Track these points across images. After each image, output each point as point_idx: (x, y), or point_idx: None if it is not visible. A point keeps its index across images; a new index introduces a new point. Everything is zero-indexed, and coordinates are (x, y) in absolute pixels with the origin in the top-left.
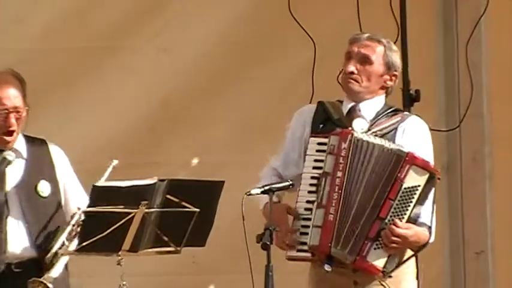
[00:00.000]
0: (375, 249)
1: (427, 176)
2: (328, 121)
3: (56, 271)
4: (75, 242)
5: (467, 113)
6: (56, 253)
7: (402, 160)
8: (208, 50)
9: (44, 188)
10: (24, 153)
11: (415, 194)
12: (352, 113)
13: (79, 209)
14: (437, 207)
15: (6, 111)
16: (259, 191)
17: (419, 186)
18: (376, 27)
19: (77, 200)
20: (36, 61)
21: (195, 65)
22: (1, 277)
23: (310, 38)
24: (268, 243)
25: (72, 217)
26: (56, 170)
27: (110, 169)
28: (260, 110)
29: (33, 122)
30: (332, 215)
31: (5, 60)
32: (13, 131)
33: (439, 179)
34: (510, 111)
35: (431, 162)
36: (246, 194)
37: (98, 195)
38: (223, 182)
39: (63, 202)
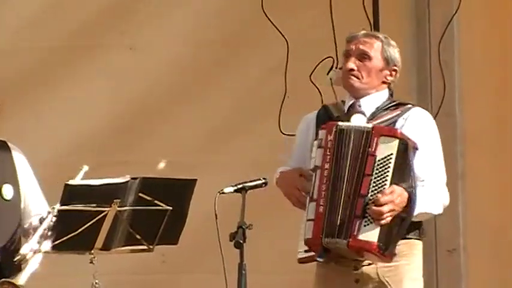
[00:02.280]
0: (364, 225)
1: (396, 142)
2: (330, 121)
3: (25, 275)
4: (47, 243)
5: (440, 111)
6: (24, 256)
7: (370, 134)
8: (180, 49)
9: (7, 191)
10: None
11: (389, 163)
12: (352, 109)
13: (49, 212)
14: None
15: None
16: (232, 189)
17: (391, 155)
18: (348, 25)
19: (36, 204)
20: (6, 60)
21: (167, 64)
22: None
23: (283, 36)
24: (241, 241)
25: (41, 220)
26: (17, 173)
27: (80, 175)
28: (232, 110)
29: (3, 122)
30: (322, 207)
31: None
32: None
33: (416, 148)
34: (482, 111)
35: (440, 153)
36: (219, 192)
37: (71, 193)
38: (195, 180)
39: (22, 205)
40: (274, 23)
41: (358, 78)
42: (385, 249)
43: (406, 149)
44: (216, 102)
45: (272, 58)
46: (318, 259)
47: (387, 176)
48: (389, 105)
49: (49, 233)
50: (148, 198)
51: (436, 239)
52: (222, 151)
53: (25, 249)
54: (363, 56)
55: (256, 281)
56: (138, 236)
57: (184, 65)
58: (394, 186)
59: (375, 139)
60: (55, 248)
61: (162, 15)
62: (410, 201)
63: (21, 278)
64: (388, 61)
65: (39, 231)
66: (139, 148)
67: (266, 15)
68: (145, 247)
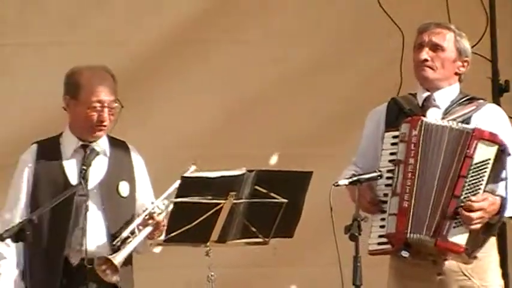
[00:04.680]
0: (454, 227)
1: (496, 148)
2: (401, 114)
3: (123, 255)
4: (147, 229)
5: None
6: (124, 239)
7: (470, 136)
8: (293, 43)
9: (124, 188)
10: (107, 151)
11: (486, 168)
12: (427, 103)
13: (152, 203)
14: None
15: (101, 105)
16: (347, 181)
17: (489, 159)
18: (464, 16)
19: (147, 203)
20: (119, 52)
21: (279, 59)
22: (73, 271)
23: (398, 27)
24: (356, 234)
25: (145, 210)
26: (134, 172)
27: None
28: (347, 101)
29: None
30: (407, 202)
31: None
32: (105, 126)
33: (509, 154)
34: None
35: None
36: (333, 184)
37: (187, 186)
38: (311, 172)
39: (136, 203)
40: (389, 15)
41: (432, 69)
42: (471, 253)
43: (503, 155)
44: (331, 94)
45: (387, 49)
46: (403, 254)
47: (482, 180)
48: (463, 99)
49: (149, 222)
50: (264, 190)
51: None
52: (336, 143)
53: (125, 233)
54: (436, 47)
55: (369, 274)
56: (253, 229)
57: (296, 58)
58: (488, 194)
59: (475, 142)
60: (171, 240)
61: (273, 10)
62: (502, 209)
63: (119, 257)
64: (460, 52)
65: (139, 218)
66: (252, 141)
67: (381, 7)
68: (260, 240)
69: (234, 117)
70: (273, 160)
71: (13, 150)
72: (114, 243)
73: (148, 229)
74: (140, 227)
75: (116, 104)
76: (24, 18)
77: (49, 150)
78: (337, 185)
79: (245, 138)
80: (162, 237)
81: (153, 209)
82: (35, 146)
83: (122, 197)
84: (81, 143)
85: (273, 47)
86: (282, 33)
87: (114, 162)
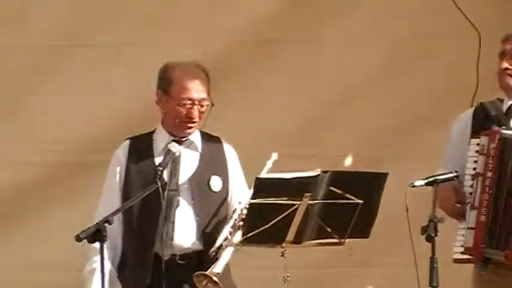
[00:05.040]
0: None
1: None
2: (488, 119)
3: (220, 265)
4: (239, 234)
5: None
6: (220, 246)
7: None
8: (367, 42)
9: (215, 183)
10: (199, 147)
11: None
12: (510, 111)
13: (240, 203)
14: None
15: (191, 102)
16: (423, 182)
17: None
18: None
19: (240, 197)
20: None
21: (353, 58)
22: (164, 268)
23: (475, 27)
24: (432, 234)
25: (234, 211)
26: (228, 166)
27: (270, 162)
28: (423, 102)
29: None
30: (484, 216)
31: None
32: (194, 123)
33: None
34: None
35: None
36: (409, 185)
37: (262, 187)
38: (387, 173)
39: (229, 198)
40: (465, 14)
41: None
42: None
43: None
44: (407, 94)
45: (464, 49)
46: (481, 270)
47: None
48: None
49: (240, 224)
50: (339, 191)
51: None
52: (411, 144)
53: (218, 241)
54: None
55: (446, 274)
56: (328, 230)
57: (372, 58)
58: None
59: None
60: (246, 241)
61: (349, 9)
62: None
63: (216, 268)
64: None
65: (231, 223)
66: (327, 142)
67: (457, 7)
68: (336, 240)
69: (309, 118)
70: (348, 161)
71: (97, 149)
72: (210, 252)
73: (240, 236)
74: (231, 229)
75: (207, 102)
76: (103, 20)
77: (141, 147)
78: (413, 186)
79: (320, 139)
80: (237, 238)
81: (241, 210)
82: (127, 142)
83: (214, 191)
84: (172, 138)
85: (349, 47)
86: (357, 32)
87: (206, 157)
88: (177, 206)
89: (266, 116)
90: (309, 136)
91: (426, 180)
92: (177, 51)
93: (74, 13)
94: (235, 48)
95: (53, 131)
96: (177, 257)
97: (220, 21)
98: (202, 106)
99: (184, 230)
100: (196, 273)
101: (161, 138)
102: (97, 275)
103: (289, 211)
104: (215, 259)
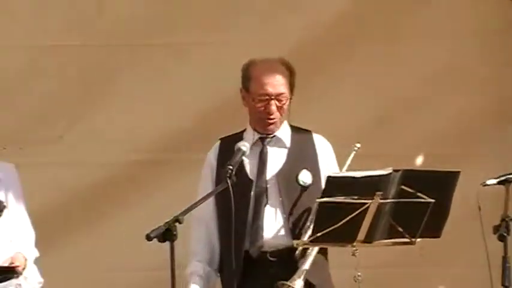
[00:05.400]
0: None
1: None
2: None
3: (307, 264)
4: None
5: None
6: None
7: None
8: (446, 39)
9: (305, 177)
10: (288, 143)
11: None
12: None
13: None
14: None
15: (267, 97)
16: (495, 181)
17: None
18: None
19: None
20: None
21: (427, 58)
22: (255, 265)
23: None
24: (505, 234)
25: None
26: (318, 159)
27: (353, 153)
28: (493, 100)
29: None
30: None
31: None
32: (272, 119)
33: None
34: None
35: None
36: (481, 184)
37: (333, 185)
38: (459, 172)
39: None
40: None
41: None
42: None
43: None
44: (477, 94)
45: None
46: None
47: None
48: None
49: (311, 226)
50: (411, 190)
51: None
52: (483, 143)
53: (299, 243)
54: None
55: None
56: (400, 229)
57: (443, 57)
58: None
59: None
60: (317, 240)
61: (422, 8)
62: None
63: (298, 281)
64: None
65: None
66: (398, 141)
67: None
68: (407, 240)
69: (381, 117)
70: (419, 160)
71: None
72: (296, 254)
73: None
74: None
75: (287, 97)
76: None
77: (231, 146)
78: (485, 185)
79: (391, 137)
80: (307, 237)
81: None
82: (218, 143)
83: (303, 186)
84: (258, 135)
85: (421, 46)
86: (429, 31)
87: (295, 152)
88: (265, 204)
89: (339, 114)
90: (381, 135)
91: (498, 179)
92: (243, 51)
93: (146, 13)
94: (305, 48)
95: (125, 131)
96: (268, 254)
97: (287, 21)
98: (280, 101)
99: (273, 227)
100: (278, 282)
101: (249, 137)
102: (192, 279)
103: (360, 210)
104: (301, 257)
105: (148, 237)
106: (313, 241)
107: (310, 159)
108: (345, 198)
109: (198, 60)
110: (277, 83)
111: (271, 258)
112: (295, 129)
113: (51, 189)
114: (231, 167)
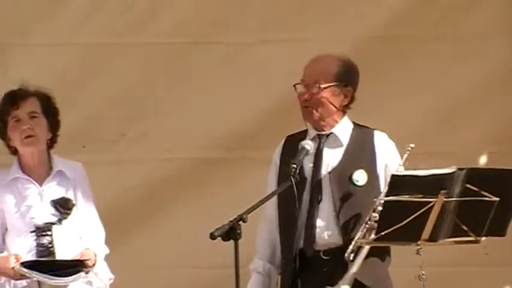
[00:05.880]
0: None
1: None
2: None
3: (355, 267)
4: (373, 231)
5: None
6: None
7: None
8: (503, 37)
9: (359, 177)
10: (345, 141)
11: None
12: None
13: (375, 199)
14: None
15: (300, 83)
16: None
17: None
18: None
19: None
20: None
21: (483, 54)
22: (308, 264)
23: None
24: None
25: (374, 210)
26: (376, 159)
27: (406, 154)
28: None
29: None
30: None
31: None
32: (307, 108)
33: None
34: None
35: None
36: None
37: (397, 184)
38: None
39: (376, 190)
40: None
41: None
42: None
43: None
44: None
45: None
46: None
47: None
48: None
49: (375, 224)
50: (475, 189)
51: None
52: None
53: (356, 238)
54: None
55: None
56: (464, 228)
57: (501, 54)
58: None
59: None
60: (381, 239)
61: (476, 4)
62: None
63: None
64: None
65: (366, 219)
66: (461, 140)
67: None
68: (472, 239)
69: (444, 115)
70: (482, 160)
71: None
72: (346, 256)
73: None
74: (367, 226)
75: (323, 85)
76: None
77: (294, 144)
78: None
79: (455, 136)
80: (372, 236)
81: (376, 207)
82: (283, 141)
83: (357, 186)
84: (316, 132)
85: (480, 44)
86: (485, 29)
87: (352, 150)
88: (319, 202)
89: (401, 112)
90: (444, 134)
91: None
92: (317, 48)
93: (210, 11)
94: (372, 45)
95: (189, 129)
96: (321, 253)
97: (350, 20)
98: (310, 87)
99: (326, 226)
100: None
101: (310, 134)
102: (252, 276)
103: (424, 209)
104: (352, 258)
105: (213, 236)
106: (378, 240)
107: (367, 159)
108: (409, 197)
109: (266, 58)
110: (311, 72)
111: (325, 257)
112: (356, 127)
113: (115, 187)
114: (295, 166)
